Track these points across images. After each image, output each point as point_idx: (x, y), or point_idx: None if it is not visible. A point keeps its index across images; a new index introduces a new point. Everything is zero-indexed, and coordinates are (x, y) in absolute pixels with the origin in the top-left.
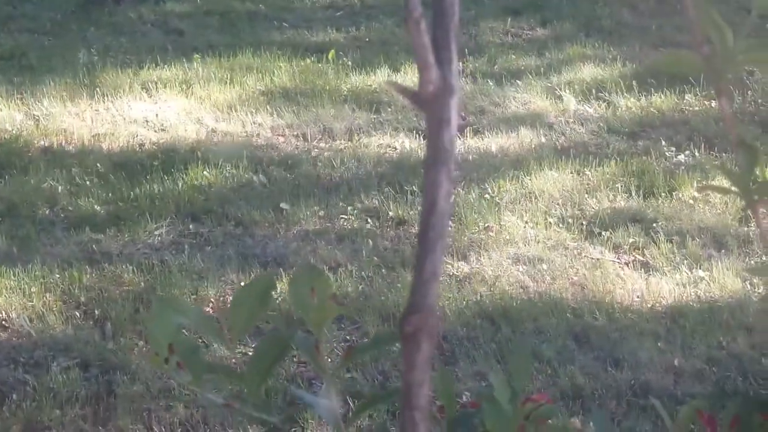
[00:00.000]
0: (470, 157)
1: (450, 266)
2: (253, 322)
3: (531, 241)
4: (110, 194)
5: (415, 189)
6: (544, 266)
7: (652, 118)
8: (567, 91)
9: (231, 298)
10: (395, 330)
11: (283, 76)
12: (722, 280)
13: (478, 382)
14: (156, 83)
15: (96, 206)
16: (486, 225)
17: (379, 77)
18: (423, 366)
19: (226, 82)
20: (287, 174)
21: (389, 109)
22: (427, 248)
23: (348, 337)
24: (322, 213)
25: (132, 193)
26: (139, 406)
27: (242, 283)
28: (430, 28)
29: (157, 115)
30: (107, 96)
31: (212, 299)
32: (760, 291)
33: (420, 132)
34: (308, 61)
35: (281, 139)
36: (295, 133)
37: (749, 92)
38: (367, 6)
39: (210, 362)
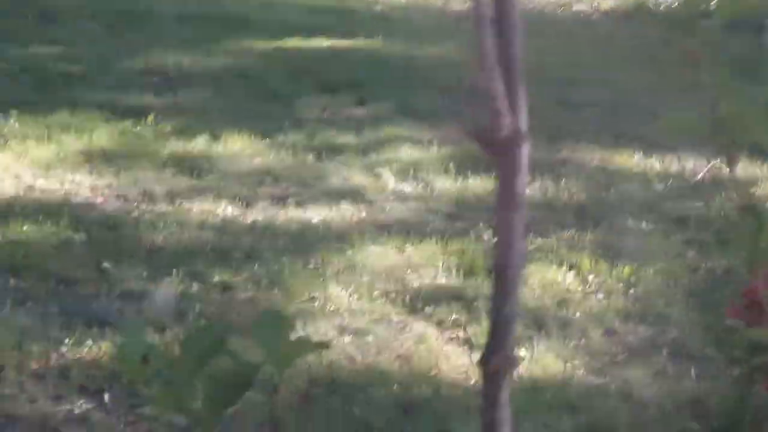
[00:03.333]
0: (293, 228)
1: None
2: (204, 363)
3: (356, 312)
4: None
5: (239, 255)
6: (370, 338)
7: (469, 199)
8: (385, 169)
9: (55, 355)
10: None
11: (102, 136)
12: (544, 360)
13: None
14: None
15: None
16: (311, 295)
17: (199, 143)
18: (505, 404)
19: (44, 140)
20: (108, 234)
21: (210, 176)
22: (506, 289)
23: None
24: (145, 274)
25: None
26: None
27: (66, 340)
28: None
29: None
30: None
31: (36, 355)
32: (580, 373)
33: (242, 200)
34: (127, 123)
35: (101, 199)
36: (116, 194)
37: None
38: (182, 74)
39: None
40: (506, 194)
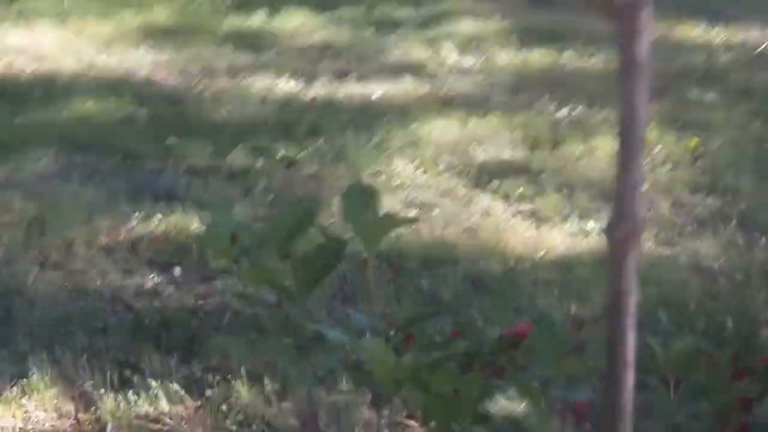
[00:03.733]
0: (355, 103)
1: None
2: (293, 239)
3: (422, 187)
4: None
5: (302, 130)
6: (437, 212)
7: (532, 72)
8: (446, 43)
9: (124, 229)
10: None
11: (161, 12)
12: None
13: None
14: (31, 13)
15: None
16: (376, 170)
17: (258, 18)
18: (631, 274)
19: (103, 16)
20: (172, 110)
21: (270, 51)
22: (631, 157)
23: None
24: (210, 150)
25: (15, 120)
26: (40, 331)
27: (135, 215)
28: None
29: (33, 45)
30: None
31: (105, 229)
32: (649, 245)
33: (303, 75)
34: None
35: (162, 75)
36: (176, 70)
37: None
38: None
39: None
40: (626, 62)
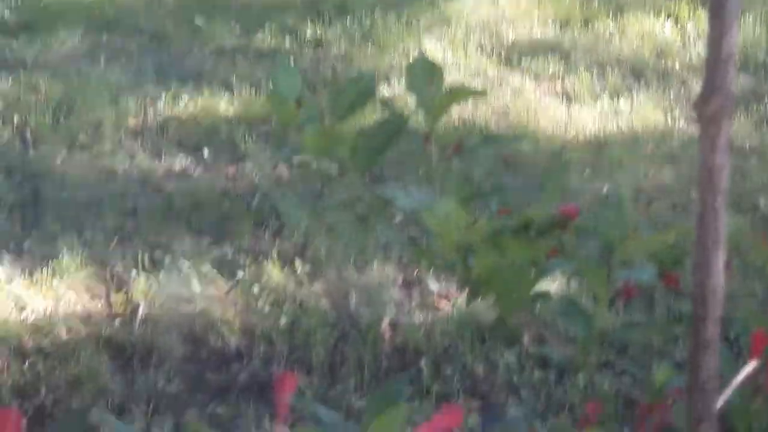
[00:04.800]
0: None
1: None
2: (353, 112)
3: (452, 66)
4: (18, 1)
5: (330, 9)
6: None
7: None
8: None
9: (152, 111)
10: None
11: None
12: (643, 111)
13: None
14: None
15: (6, 12)
16: (405, 49)
17: None
18: (724, 148)
19: None
20: None
21: None
22: (723, 28)
23: None
24: (237, 30)
25: (41, 1)
26: (70, 213)
27: (162, 96)
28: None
29: None
30: None
31: (133, 111)
32: (680, 123)
33: None
34: None
35: None
36: None
37: None
38: None
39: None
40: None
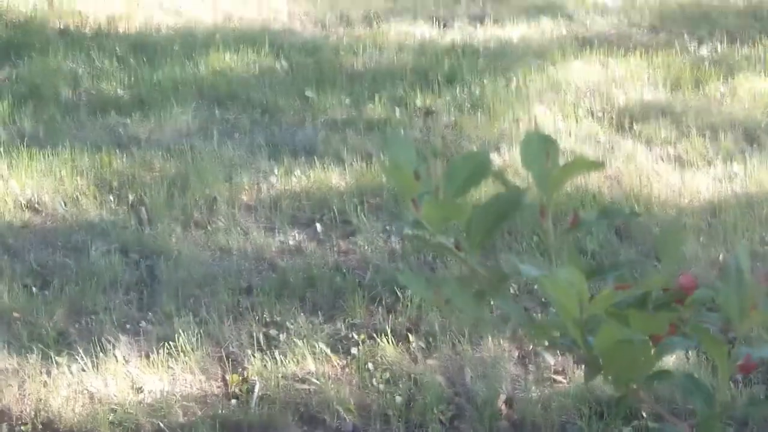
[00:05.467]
0: (492, 47)
1: None
2: (468, 189)
3: (562, 133)
4: (132, 78)
5: (440, 77)
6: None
7: (671, 11)
8: None
9: (265, 186)
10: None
11: None
12: (758, 175)
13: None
14: None
15: (119, 89)
16: (515, 117)
17: None
18: None
19: None
20: (309, 61)
21: None
22: None
23: None
24: (348, 101)
25: (154, 76)
26: (185, 291)
27: (275, 171)
28: None
29: None
30: None
31: (246, 186)
32: None
33: (439, 20)
34: None
35: (299, 25)
36: (313, 19)
37: None
38: None
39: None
40: None
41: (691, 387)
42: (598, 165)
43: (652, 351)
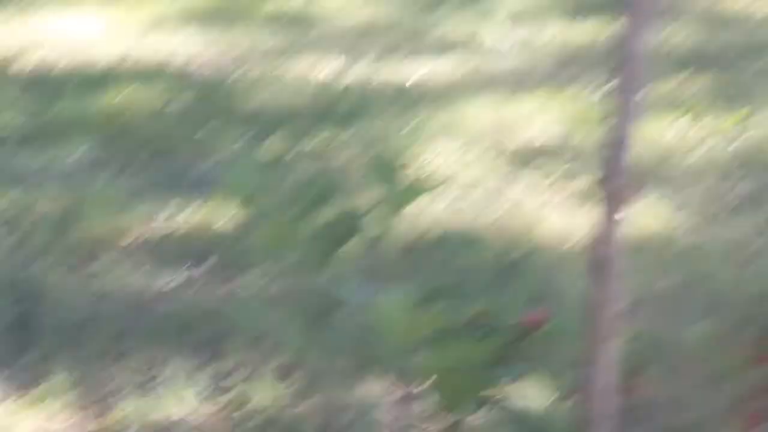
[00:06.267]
0: (395, 86)
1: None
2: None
3: (461, 169)
4: (23, 114)
5: (339, 117)
6: (476, 195)
7: (572, 51)
8: (492, 18)
9: (151, 226)
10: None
11: None
12: (654, 212)
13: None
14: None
15: (10, 122)
16: (415, 153)
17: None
18: (619, 232)
19: (135, 3)
20: (206, 100)
21: (309, 34)
22: (625, 111)
23: None
24: (245, 139)
25: (47, 112)
26: (61, 334)
27: (163, 210)
28: None
29: (68, 34)
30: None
31: (132, 226)
32: (693, 222)
33: (343, 58)
34: None
35: (198, 63)
36: (213, 57)
37: None
38: None
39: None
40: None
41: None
42: (434, 187)
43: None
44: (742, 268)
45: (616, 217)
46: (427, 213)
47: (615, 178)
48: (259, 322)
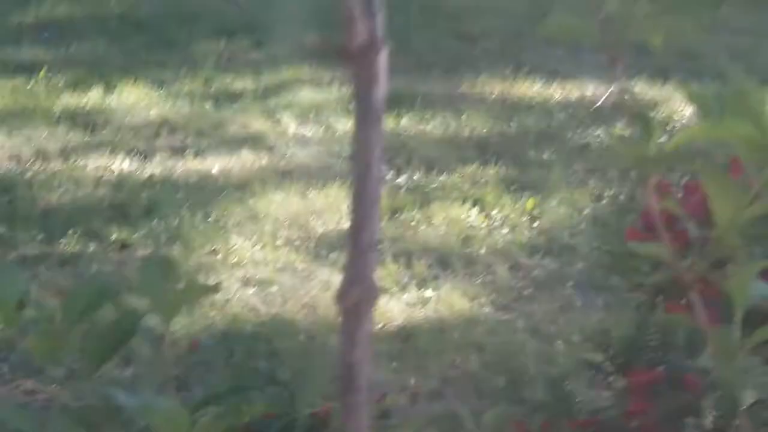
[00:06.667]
0: (191, 180)
1: None
2: (87, 315)
3: (260, 263)
4: None
5: (137, 211)
6: (275, 288)
7: None
8: (285, 113)
9: None
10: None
11: None
12: (450, 299)
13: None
14: None
15: None
16: (212, 248)
17: (94, 96)
18: (365, 343)
19: None
20: (1, 197)
21: (105, 130)
22: (364, 216)
23: None
24: (41, 237)
25: None
26: None
27: None
28: None
29: None
30: None
31: None
32: (487, 310)
33: (139, 153)
34: (18, 80)
35: None
36: (8, 154)
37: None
38: (74, 26)
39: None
40: (363, 108)
41: None
42: (212, 289)
43: None
44: (540, 351)
45: (359, 334)
46: (234, 302)
47: (354, 290)
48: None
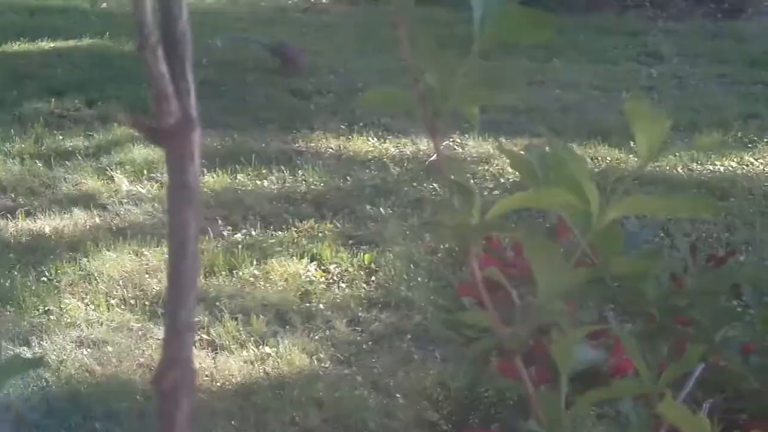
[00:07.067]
0: (23, 240)
1: (11, 352)
2: None
3: (94, 323)
4: None
5: None
6: (110, 349)
7: (206, 197)
8: (118, 171)
9: None
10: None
11: None
12: (289, 355)
13: None
14: None
15: None
16: (46, 308)
17: None
18: (184, 425)
19: None
20: None
21: None
22: (180, 297)
23: None
24: None
25: None
26: None
27: None
28: (164, 58)
29: None
30: None
31: None
32: (326, 366)
33: None
34: None
35: None
36: None
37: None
38: None
39: None
40: (177, 188)
41: None
42: (35, 364)
43: None
44: (379, 405)
45: (178, 419)
46: (68, 363)
47: (172, 372)
48: None
